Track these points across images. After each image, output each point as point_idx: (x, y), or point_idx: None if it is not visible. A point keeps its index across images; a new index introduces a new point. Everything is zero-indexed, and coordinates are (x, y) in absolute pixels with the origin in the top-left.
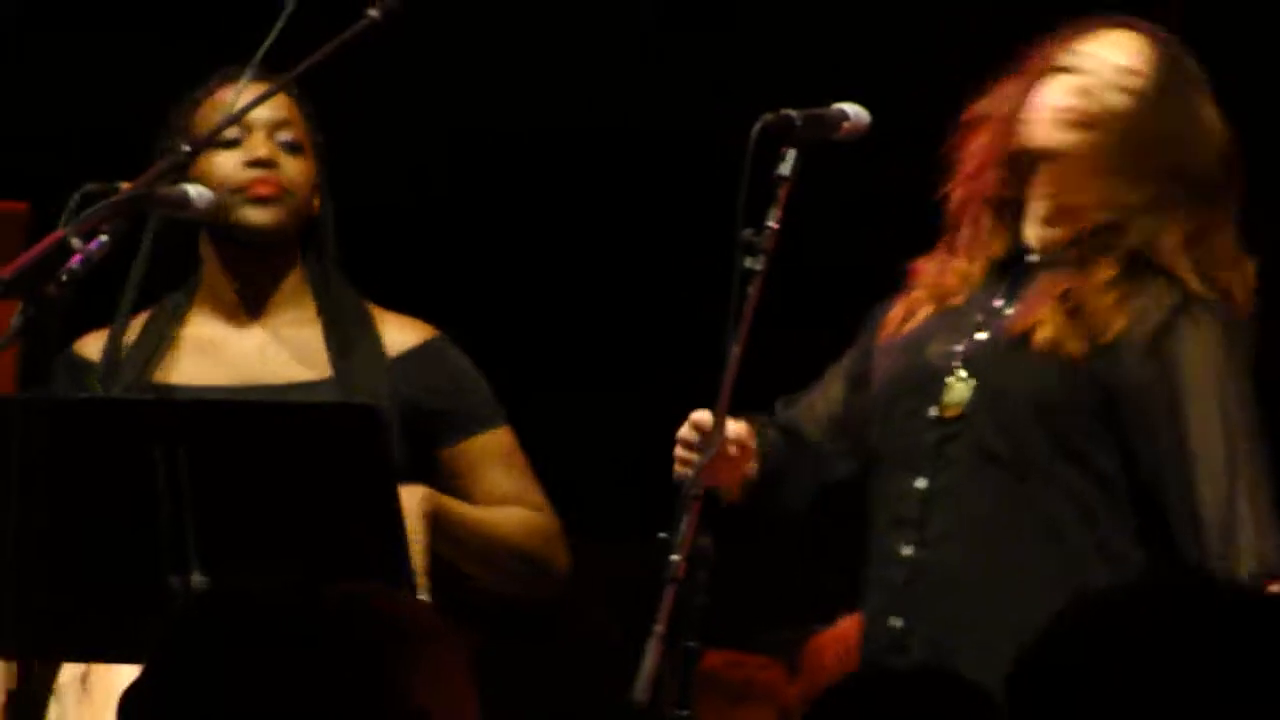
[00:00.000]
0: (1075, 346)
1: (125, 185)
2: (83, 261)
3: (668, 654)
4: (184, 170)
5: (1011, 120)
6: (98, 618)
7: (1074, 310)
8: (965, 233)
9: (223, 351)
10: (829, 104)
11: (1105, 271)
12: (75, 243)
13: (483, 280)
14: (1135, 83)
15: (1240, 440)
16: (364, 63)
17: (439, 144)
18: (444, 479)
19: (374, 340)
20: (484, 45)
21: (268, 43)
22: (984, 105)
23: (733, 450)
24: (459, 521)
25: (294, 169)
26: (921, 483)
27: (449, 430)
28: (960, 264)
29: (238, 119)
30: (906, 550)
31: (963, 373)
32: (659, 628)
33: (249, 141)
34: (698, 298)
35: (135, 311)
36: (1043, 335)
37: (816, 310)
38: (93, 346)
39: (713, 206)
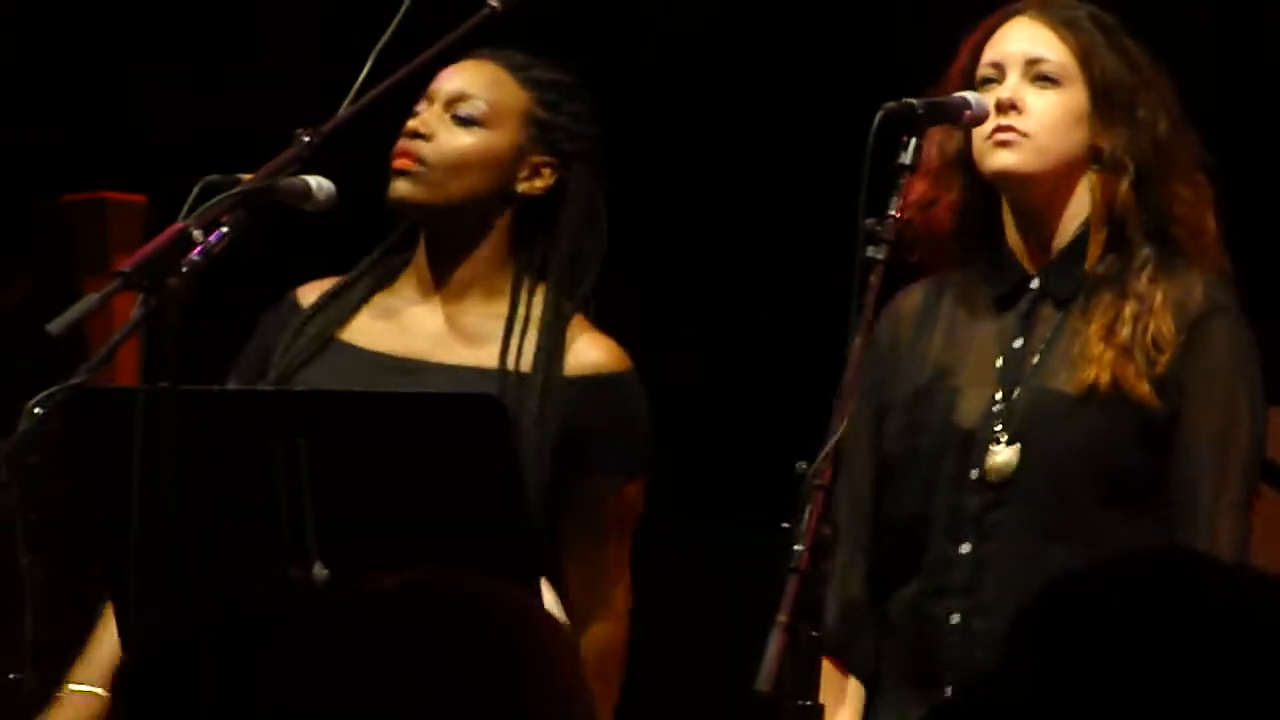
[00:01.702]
0: (1140, 388)
1: (246, 177)
2: (203, 253)
3: (791, 644)
4: (305, 161)
5: (950, 166)
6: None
7: (1126, 346)
8: (939, 256)
9: (403, 322)
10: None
11: (1144, 269)
12: (196, 234)
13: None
14: (1047, 69)
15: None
16: None
17: None
18: (566, 511)
19: (556, 350)
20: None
21: (391, 28)
22: (926, 142)
23: None
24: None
25: (452, 142)
26: (966, 549)
27: (592, 467)
28: (962, 314)
29: (364, 103)
30: (955, 619)
31: (1004, 436)
32: (782, 618)
33: (423, 113)
34: (822, 286)
35: (368, 271)
36: (1105, 383)
37: None
38: (312, 294)
39: (837, 194)
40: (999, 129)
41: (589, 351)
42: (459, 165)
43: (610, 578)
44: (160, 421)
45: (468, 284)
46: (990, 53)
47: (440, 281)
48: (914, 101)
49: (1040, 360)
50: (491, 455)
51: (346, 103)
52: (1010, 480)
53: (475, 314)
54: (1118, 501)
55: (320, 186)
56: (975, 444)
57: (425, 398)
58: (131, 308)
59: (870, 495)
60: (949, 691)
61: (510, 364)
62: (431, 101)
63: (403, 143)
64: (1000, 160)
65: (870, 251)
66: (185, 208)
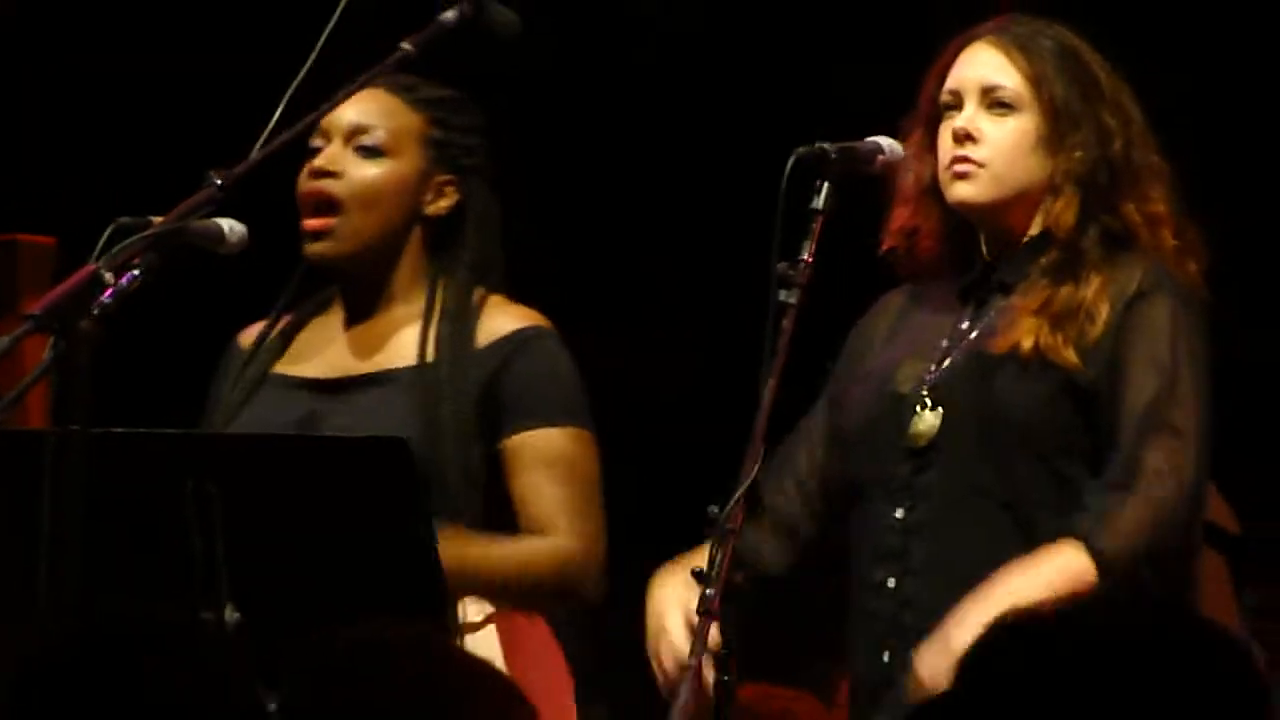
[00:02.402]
0: (1068, 354)
1: (158, 219)
2: (114, 296)
3: (703, 686)
4: (217, 204)
5: (927, 193)
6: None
7: (1058, 316)
8: (928, 275)
9: (333, 345)
10: (863, 138)
11: (1087, 263)
12: (108, 277)
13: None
14: (1002, 95)
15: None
16: None
17: None
18: (500, 474)
19: (468, 330)
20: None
21: (306, 65)
22: (901, 169)
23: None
24: (471, 572)
25: (363, 176)
26: (899, 513)
27: (513, 417)
28: (928, 307)
29: (281, 142)
30: (891, 582)
31: (929, 402)
32: (694, 661)
33: (324, 150)
34: (732, 331)
35: (291, 308)
36: (1028, 348)
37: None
38: (249, 338)
39: (748, 239)
40: (955, 160)
41: (501, 319)
42: (373, 198)
43: (567, 509)
44: (71, 464)
45: (387, 302)
46: (950, 80)
47: (361, 306)
48: (826, 146)
49: (976, 335)
50: (398, 496)
51: (259, 145)
52: (934, 443)
53: (393, 323)
54: (1039, 457)
55: (233, 229)
56: (904, 410)
57: (331, 441)
58: (40, 350)
59: (818, 447)
60: (885, 657)
61: (428, 355)
62: (329, 137)
63: (313, 184)
64: (958, 192)
65: (783, 295)
66: (96, 250)
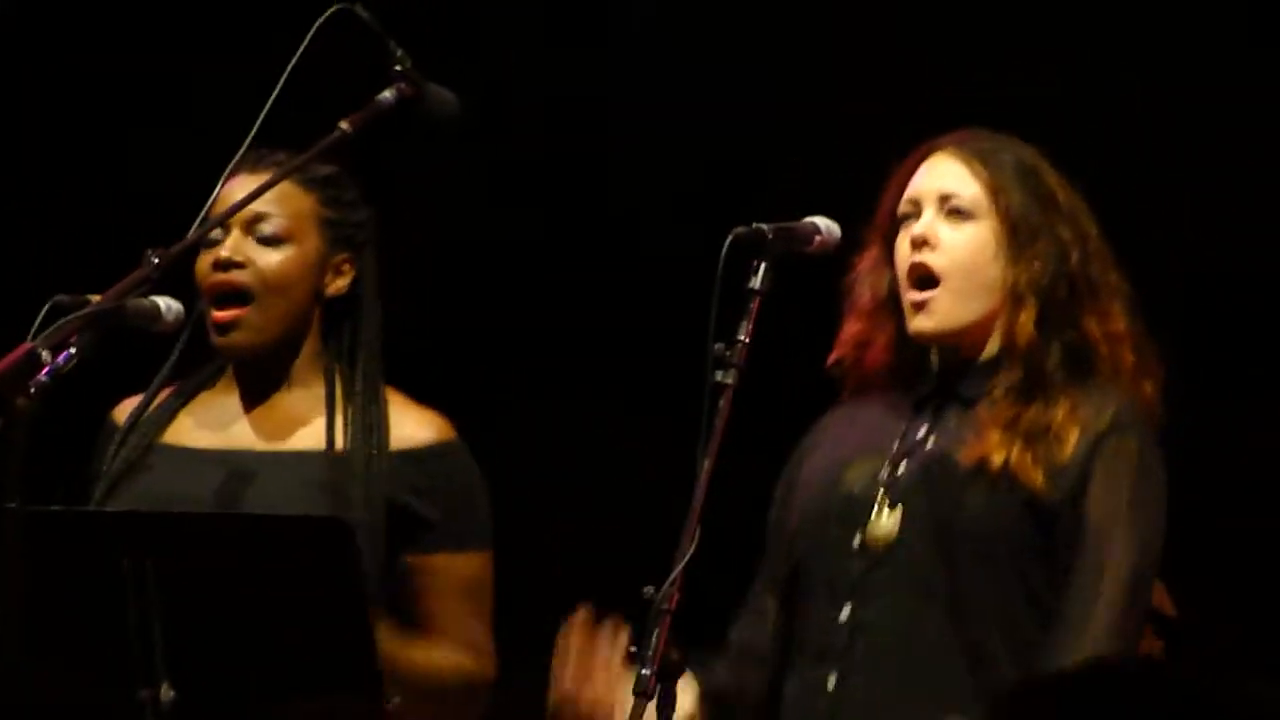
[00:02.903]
0: (1035, 476)
1: (95, 298)
2: (51, 374)
3: None
4: (154, 282)
5: (882, 306)
6: None
7: (1027, 434)
8: (873, 387)
9: (224, 418)
10: (801, 218)
11: (1052, 385)
12: (44, 355)
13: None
14: (960, 204)
15: (1137, 566)
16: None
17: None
18: (407, 582)
19: (379, 423)
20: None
21: (247, 141)
22: (856, 282)
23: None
24: (398, 662)
25: (270, 264)
26: (845, 612)
27: (429, 538)
28: (874, 412)
29: (212, 226)
30: (831, 682)
31: (886, 504)
32: None
33: (224, 241)
34: (668, 412)
35: (172, 382)
36: (997, 464)
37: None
38: (124, 411)
39: (684, 320)
40: (913, 268)
41: (414, 427)
42: (282, 285)
43: (474, 630)
44: (7, 542)
45: (286, 385)
46: (909, 189)
47: (258, 388)
48: (764, 226)
49: (935, 442)
50: (337, 576)
51: (195, 225)
52: (892, 545)
53: (293, 406)
54: (991, 566)
55: (169, 308)
56: (859, 510)
57: (272, 520)
58: None
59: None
60: None
61: (338, 444)
62: (228, 227)
63: (221, 276)
64: (918, 325)
65: (719, 376)
66: (33, 328)
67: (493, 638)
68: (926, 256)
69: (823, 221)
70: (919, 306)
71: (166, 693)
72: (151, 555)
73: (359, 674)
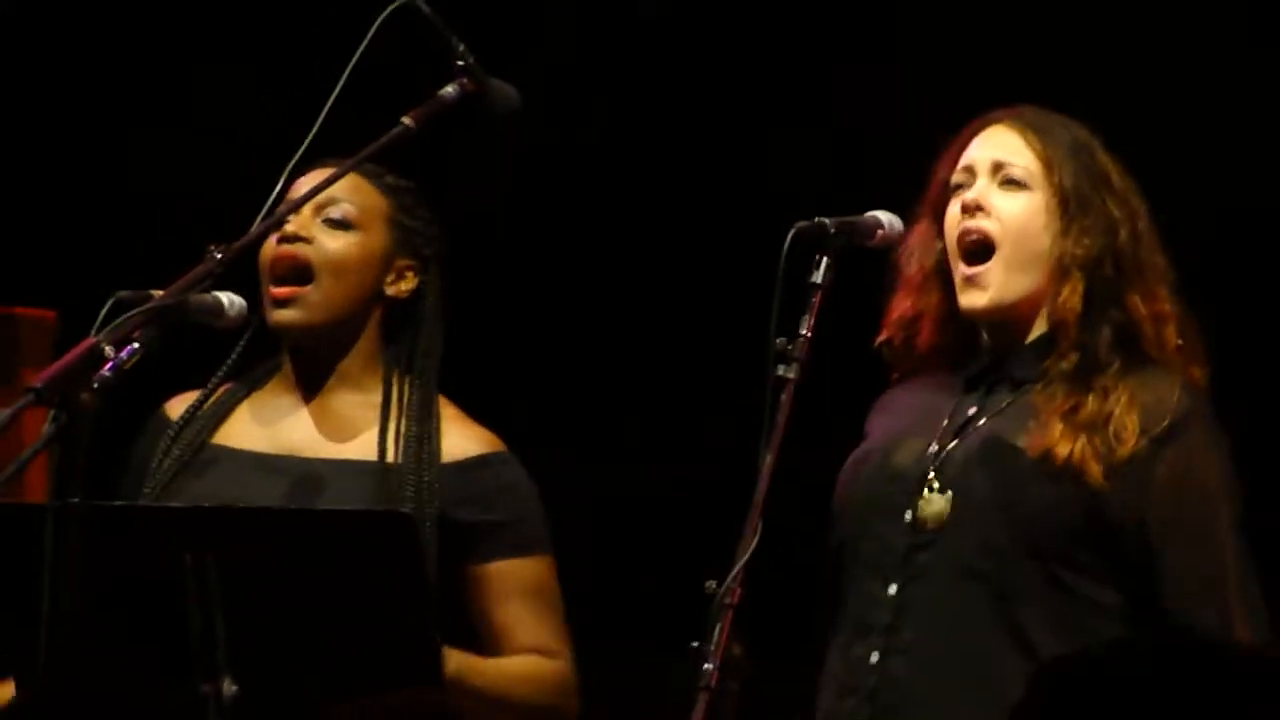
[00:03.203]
0: (1095, 470)
1: (157, 293)
2: (114, 369)
3: None
4: (219, 277)
5: (931, 279)
6: None
7: (1088, 426)
8: (924, 369)
9: (276, 422)
10: (862, 212)
11: (1107, 371)
12: (108, 350)
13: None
14: (1013, 174)
15: (1234, 557)
16: None
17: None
18: (469, 594)
19: (431, 440)
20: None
21: (308, 139)
22: (906, 256)
23: None
24: (474, 686)
25: (333, 245)
26: (893, 589)
27: (488, 546)
28: (924, 394)
29: (282, 215)
30: (874, 658)
31: (936, 484)
32: None
33: (292, 220)
34: (732, 406)
35: (228, 381)
36: (1061, 458)
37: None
38: (178, 408)
39: (747, 314)
40: (964, 233)
41: (463, 439)
42: (341, 267)
43: (549, 632)
44: (70, 537)
45: (338, 383)
46: (963, 159)
47: (312, 383)
48: (826, 220)
49: (987, 422)
50: (400, 570)
51: (259, 219)
52: (942, 526)
53: (347, 409)
54: (1040, 557)
55: (232, 303)
56: (907, 489)
57: (336, 515)
58: (39, 423)
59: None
60: None
61: (389, 456)
62: (297, 209)
63: (285, 249)
64: (970, 300)
65: (781, 370)
66: (97, 323)
67: (567, 639)
68: (980, 221)
69: (885, 215)
70: (971, 281)
71: (229, 687)
72: (214, 550)
73: (422, 668)
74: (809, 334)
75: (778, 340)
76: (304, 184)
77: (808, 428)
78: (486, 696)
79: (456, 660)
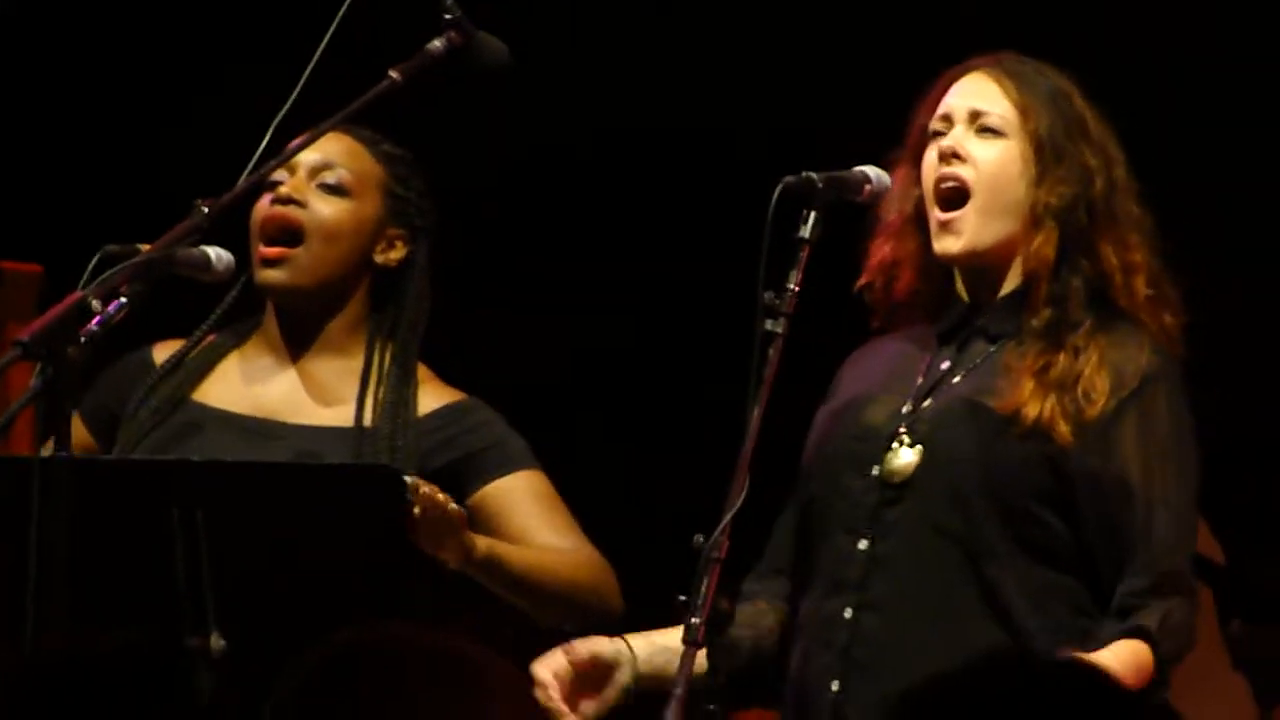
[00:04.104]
0: (1063, 429)
1: (145, 247)
2: (101, 323)
3: (688, 718)
4: (207, 231)
5: (909, 224)
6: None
7: (1058, 385)
8: (902, 317)
9: (254, 383)
10: (851, 166)
11: (1079, 329)
12: (95, 304)
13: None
14: (990, 122)
15: (1183, 495)
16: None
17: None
18: (477, 525)
19: (408, 400)
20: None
21: (295, 93)
22: (886, 202)
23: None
24: (511, 564)
25: (326, 210)
26: (863, 545)
27: (476, 473)
28: (899, 347)
29: (274, 168)
30: (847, 613)
31: (907, 439)
32: (679, 691)
33: (287, 182)
34: (719, 361)
35: (213, 332)
36: (1030, 417)
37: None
38: (164, 353)
39: (734, 267)
40: (941, 179)
41: (435, 396)
42: (334, 233)
43: (567, 530)
44: (57, 491)
45: (322, 347)
46: (941, 106)
47: (295, 345)
48: (813, 175)
49: (961, 379)
50: (388, 525)
51: (245, 173)
52: (909, 481)
53: (328, 374)
54: (1009, 517)
55: (219, 257)
56: (878, 444)
57: (322, 469)
58: (24, 377)
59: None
60: (835, 688)
61: (366, 420)
62: (293, 171)
63: (277, 210)
64: (944, 246)
65: (769, 325)
66: (84, 277)
67: (586, 539)
68: (955, 168)
69: (873, 171)
70: (945, 226)
71: (216, 641)
72: (201, 504)
73: (410, 614)
74: (797, 288)
75: (765, 295)
76: (303, 141)
77: (796, 382)
78: (524, 575)
79: (486, 543)
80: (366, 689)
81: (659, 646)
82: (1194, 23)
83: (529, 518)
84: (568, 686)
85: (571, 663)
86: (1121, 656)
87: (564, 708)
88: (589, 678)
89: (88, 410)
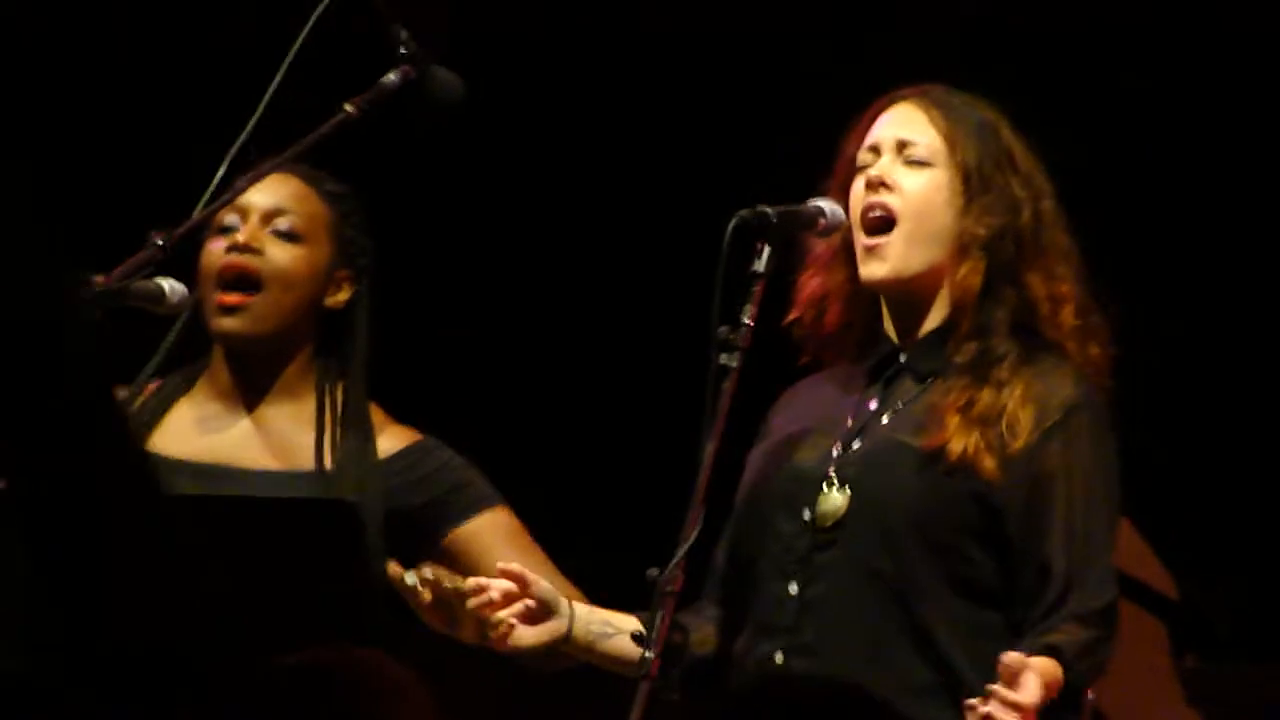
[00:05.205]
0: (989, 464)
1: (99, 278)
2: None
3: None
4: (161, 264)
5: (837, 256)
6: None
7: (982, 420)
8: (831, 351)
9: (207, 431)
10: (805, 200)
11: (1004, 363)
12: None
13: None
14: (917, 152)
15: (1100, 521)
16: None
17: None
18: (452, 567)
19: (367, 442)
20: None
21: (250, 124)
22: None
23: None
24: None
25: (283, 257)
26: (794, 588)
27: (447, 517)
28: (828, 388)
29: (222, 205)
30: (778, 657)
31: (836, 480)
32: None
33: (241, 228)
34: (673, 394)
35: (156, 379)
36: (955, 453)
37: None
38: None
39: (689, 302)
40: (868, 207)
41: (392, 438)
42: (291, 280)
43: (544, 567)
44: (10, 523)
45: (275, 393)
46: (869, 137)
47: (247, 391)
48: (768, 209)
49: (889, 419)
50: (343, 557)
51: (201, 205)
52: (840, 523)
53: (281, 419)
54: (938, 556)
55: (174, 290)
56: (808, 487)
57: (280, 502)
58: None
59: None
60: None
61: (327, 462)
62: (245, 216)
63: (234, 258)
64: (870, 271)
65: (723, 359)
66: None
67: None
68: (883, 196)
69: (827, 204)
70: (871, 251)
71: None
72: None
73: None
74: (751, 322)
75: (720, 329)
76: (259, 188)
77: (750, 417)
78: None
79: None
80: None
81: (600, 618)
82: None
83: (508, 556)
84: (506, 603)
85: (505, 573)
86: (1036, 665)
87: (501, 611)
88: (530, 613)
89: None
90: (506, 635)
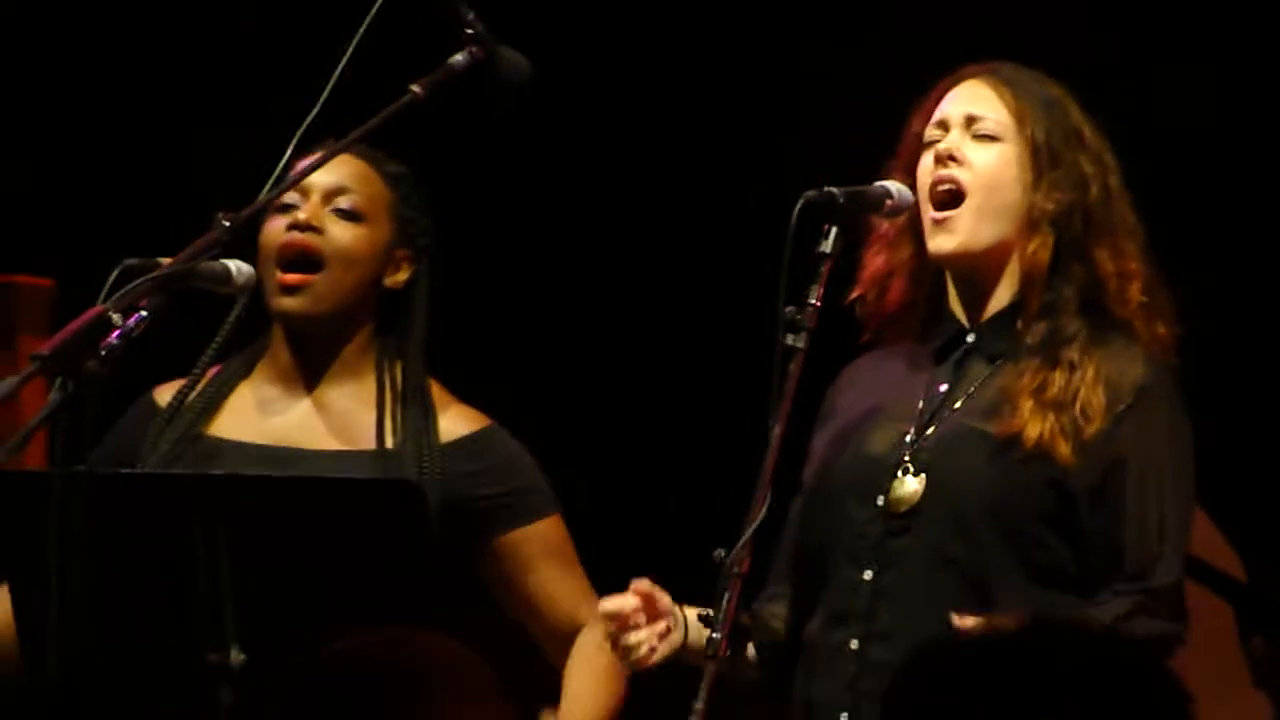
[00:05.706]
0: (1064, 450)
1: (165, 261)
2: (121, 337)
3: None
4: (227, 245)
5: (903, 233)
6: (138, 695)
7: (1055, 404)
8: (893, 330)
9: (269, 413)
10: (871, 181)
11: (1074, 343)
12: (115, 318)
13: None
14: (985, 127)
15: (1174, 506)
16: None
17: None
18: (494, 565)
19: (428, 425)
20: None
21: (317, 107)
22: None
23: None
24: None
25: (344, 236)
26: (869, 575)
27: (498, 518)
28: (895, 368)
29: (288, 187)
30: (853, 644)
31: (911, 467)
32: (700, 705)
33: (302, 206)
34: (741, 375)
35: (216, 364)
36: (1030, 440)
37: None
38: (167, 394)
39: (756, 283)
40: (937, 181)
41: (456, 420)
42: (353, 259)
43: (579, 591)
44: (76, 505)
45: (335, 373)
46: (937, 113)
47: (307, 371)
48: (834, 190)
49: (962, 404)
50: (408, 539)
51: (267, 187)
52: (914, 510)
53: (343, 400)
54: (1014, 542)
55: (240, 270)
56: (882, 473)
57: (344, 482)
58: (35, 393)
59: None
60: (845, 718)
61: (388, 442)
62: (306, 195)
63: (296, 236)
64: (938, 244)
65: (790, 340)
66: (104, 291)
67: (592, 590)
68: (952, 170)
69: (893, 185)
70: (940, 224)
71: (236, 656)
72: (222, 518)
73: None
74: (818, 303)
75: (786, 309)
76: (306, 162)
77: (810, 396)
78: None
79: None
80: (368, 694)
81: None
82: (1191, 34)
83: (549, 576)
84: (635, 617)
85: (638, 593)
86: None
87: (642, 630)
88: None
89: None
90: (649, 656)
